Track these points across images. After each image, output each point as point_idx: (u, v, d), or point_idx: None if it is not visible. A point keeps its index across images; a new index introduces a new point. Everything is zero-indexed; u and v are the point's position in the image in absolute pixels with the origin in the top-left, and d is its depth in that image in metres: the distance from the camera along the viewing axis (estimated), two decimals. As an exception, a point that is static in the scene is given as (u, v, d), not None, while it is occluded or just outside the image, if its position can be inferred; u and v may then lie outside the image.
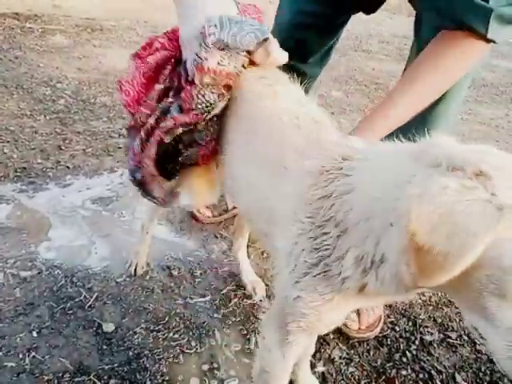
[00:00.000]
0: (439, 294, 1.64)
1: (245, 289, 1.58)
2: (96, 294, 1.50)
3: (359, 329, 1.42)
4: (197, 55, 0.99)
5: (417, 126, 1.05)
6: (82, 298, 1.48)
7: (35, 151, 2.22)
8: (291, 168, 0.89)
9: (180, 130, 1.05)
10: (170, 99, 1.07)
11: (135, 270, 1.58)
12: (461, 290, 0.61)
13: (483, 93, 4.26)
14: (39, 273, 1.55)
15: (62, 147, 2.28)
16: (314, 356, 1.34)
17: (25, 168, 2.08)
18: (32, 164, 2.11)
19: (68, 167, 2.14)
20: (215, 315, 1.47)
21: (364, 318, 1.43)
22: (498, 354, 0.60)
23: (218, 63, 0.99)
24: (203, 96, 1.01)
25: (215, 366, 1.31)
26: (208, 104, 1.02)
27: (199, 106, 1.02)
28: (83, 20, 4.32)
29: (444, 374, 1.34)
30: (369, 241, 0.70)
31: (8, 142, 2.24)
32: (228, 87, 1.04)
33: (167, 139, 1.06)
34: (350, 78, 3.92)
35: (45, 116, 2.55)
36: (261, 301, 1.54)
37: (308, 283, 0.80)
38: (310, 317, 0.83)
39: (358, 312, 1.44)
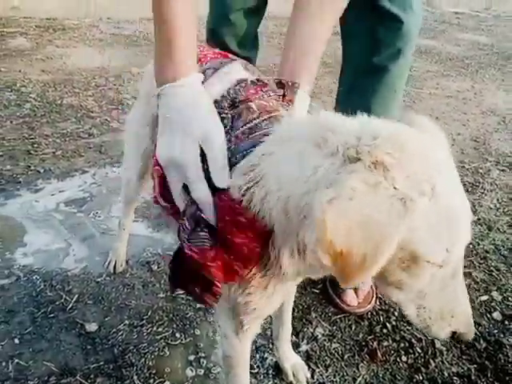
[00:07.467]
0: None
1: (226, 277, 1.59)
2: (76, 296, 1.49)
3: (359, 304, 1.46)
4: None
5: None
6: (62, 300, 1.47)
7: (4, 158, 2.17)
8: None
9: None
10: None
11: (114, 267, 1.58)
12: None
13: (449, 66, 4.34)
14: (17, 279, 1.53)
15: (31, 151, 2.25)
16: (297, 335, 1.36)
17: (-6, 176, 2.04)
18: (1, 171, 2.07)
19: (39, 171, 2.11)
20: (198, 306, 1.48)
21: (361, 292, 1.47)
22: (411, 316, 0.70)
23: None
24: None
25: (201, 355, 1.32)
26: None
27: None
28: (44, 21, 4.22)
29: (424, 342, 1.38)
30: (291, 235, 0.71)
31: (-26, 150, 2.20)
32: None
33: None
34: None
35: (11, 122, 2.50)
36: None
37: (255, 288, 0.81)
38: (261, 309, 0.85)
39: (354, 288, 1.47)
